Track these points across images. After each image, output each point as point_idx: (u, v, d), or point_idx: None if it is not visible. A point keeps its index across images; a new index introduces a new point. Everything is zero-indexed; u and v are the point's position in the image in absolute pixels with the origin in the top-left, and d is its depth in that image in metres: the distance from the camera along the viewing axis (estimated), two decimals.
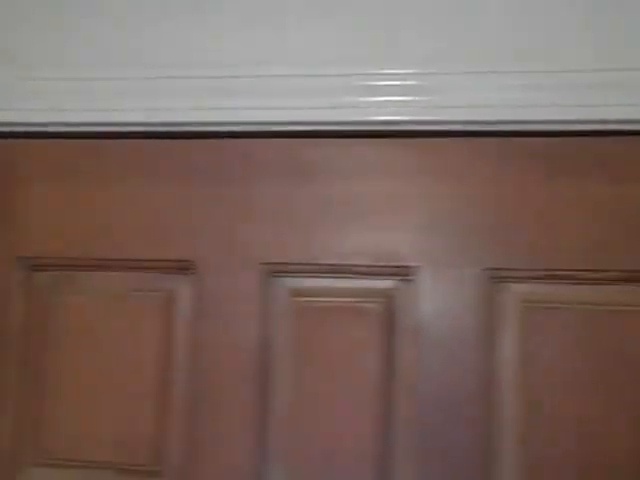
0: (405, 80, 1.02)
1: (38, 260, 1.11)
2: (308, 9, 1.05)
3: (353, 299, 1.05)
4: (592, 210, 1.01)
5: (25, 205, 1.11)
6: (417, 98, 1.02)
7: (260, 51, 1.06)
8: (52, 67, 1.10)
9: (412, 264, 1.03)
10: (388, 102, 1.02)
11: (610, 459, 0.97)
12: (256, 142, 1.07)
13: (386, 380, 1.02)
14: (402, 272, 1.04)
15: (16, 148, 1.13)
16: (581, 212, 1.01)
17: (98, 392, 1.07)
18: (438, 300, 1.02)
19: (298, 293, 1.06)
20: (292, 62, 1.04)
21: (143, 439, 1.06)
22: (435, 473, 0.99)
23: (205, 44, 1.07)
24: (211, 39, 1.07)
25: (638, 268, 0.99)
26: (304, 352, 1.04)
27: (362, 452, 1.01)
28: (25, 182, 1.12)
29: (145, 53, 1.09)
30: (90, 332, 1.09)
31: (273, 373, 1.04)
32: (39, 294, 1.11)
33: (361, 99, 1.03)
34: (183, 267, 1.07)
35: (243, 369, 1.04)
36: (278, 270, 1.06)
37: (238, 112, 1.05)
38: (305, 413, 1.03)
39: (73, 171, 1.11)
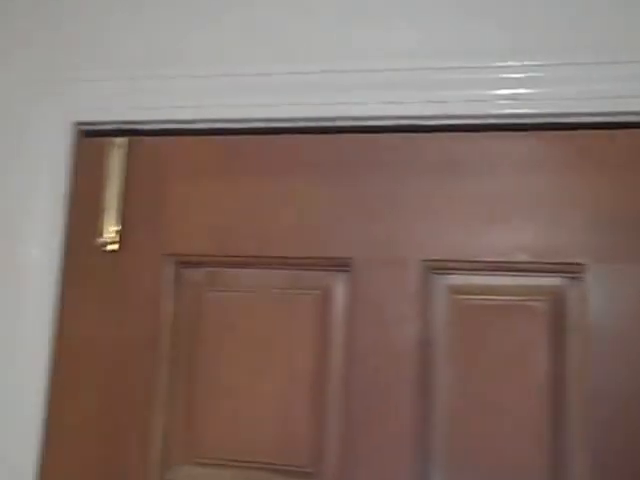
0: (567, 71, 0.99)
1: (188, 257, 1.09)
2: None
3: (516, 297, 1.00)
4: None
5: (174, 202, 1.10)
6: (579, 89, 0.99)
7: (405, 45, 1.04)
8: (199, 65, 1.10)
9: (578, 261, 0.98)
10: (548, 94, 0.99)
11: None
12: (412, 137, 1.04)
13: (556, 382, 0.97)
14: (568, 269, 0.99)
15: (165, 146, 1.12)
16: None
17: (251, 391, 1.04)
18: (610, 299, 0.97)
19: (459, 291, 1.01)
20: (440, 54, 1.03)
21: (297, 440, 1.02)
22: (613, 474, 0.93)
23: (364, 39, 1.06)
24: (365, 34, 1.05)
25: None
26: (466, 352, 0.99)
27: (532, 458, 0.96)
28: (175, 179, 1.11)
29: (294, 48, 1.08)
30: (242, 330, 1.06)
31: (434, 375, 1.00)
32: (189, 291, 1.09)
33: (524, 91, 1.00)
34: (340, 264, 1.04)
35: (402, 370, 1.00)
36: (438, 267, 1.02)
37: (392, 106, 1.03)
38: (469, 417, 0.98)
39: (224, 169, 1.09)
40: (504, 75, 1.02)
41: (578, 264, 0.98)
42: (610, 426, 0.94)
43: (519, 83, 1.01)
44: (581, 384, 0.96)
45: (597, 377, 0.95)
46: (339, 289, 1.04)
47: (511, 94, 1.02)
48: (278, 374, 1.04)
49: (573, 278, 0.99)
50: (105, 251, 1.10)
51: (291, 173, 1.07)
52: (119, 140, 1.13)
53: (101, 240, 1.09)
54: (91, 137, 1.14)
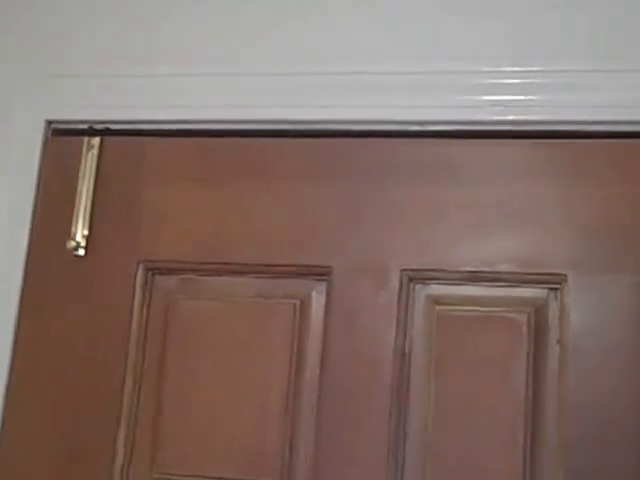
0: (562, 78, 0.98)
1: (160, 264, 1.06)
2: (463, 3, 1.02)
3: (497, 308, 0.98)
4: None
5: (147, 206, 1.07)
6: (575, 97, 0.97)
7: (403, 48, 1.02)
8: (176, 64, 1.07)
9: (563, 272, 0.96)
10: (548, 101, 0.98)
11: None
12: (398, 142, 1.02)
13: (534, 394, 0.95)
14: (551, 280, 0.97)
15: (139, 147, 1.09)
16: None
17: (221, 403, 1.01)
18: (592, 311, 0.95)
19: (439, 301, 0.99)
20: (439, 59, 1.01)
21: (268, 453, 0.99)
22: None
23: (345, 41, 1.03)
24: (361, 36, 1.03)
25: None
26: (444, 364, 0.97)
27: (508, 470, 0.94)
28: (149, 182, 1.07)
29: (274, 49, 1.05)
30: (215, 340, 1.03)
31: (410, 386, 0.98)
32: (161, 299, 1.05)
33: (514, 98, 0.98)
34: (319, 273, 1.01)
35: (378, 381, 0.97)
36: (418, 277, 0.99)
37: (380, 110, 1.00)
38: (445, 428, 0.96)
39: (199, 172, 1.07)
40: (493, 81, 1.01)
41: (560, 275, 0.96)
42: (586, 439, 0.92)
43: (509, 89, 1.00)
44: (560, 397, 0.94)
45: (576, 390, 0.93)
46: (317, 298, 1.02)
47: (499, 100, 1.00)
48: (251, 385, 1.01)
49: (555, 289, 0.97)
50: (74, 255, 1.06)
51: (270, 178, 1.04)
52: (91, 140, 1.09)
53: (70, 244, 1.05)
54: (62, 136, 1.11)
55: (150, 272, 1.06)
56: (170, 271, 1.06)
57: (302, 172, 1.03)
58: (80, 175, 1.08)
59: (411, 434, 0.96)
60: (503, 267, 0.98)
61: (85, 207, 1.07)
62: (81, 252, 1.06)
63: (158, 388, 1.03)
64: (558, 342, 0.96)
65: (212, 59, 1.07)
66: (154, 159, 1.08)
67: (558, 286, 0.96)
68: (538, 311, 0.97)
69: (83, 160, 1.08)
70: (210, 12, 1.09)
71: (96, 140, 1.09)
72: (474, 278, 0.98)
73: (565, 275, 0.96)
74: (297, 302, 1.02)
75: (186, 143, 1.08)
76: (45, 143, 1.10)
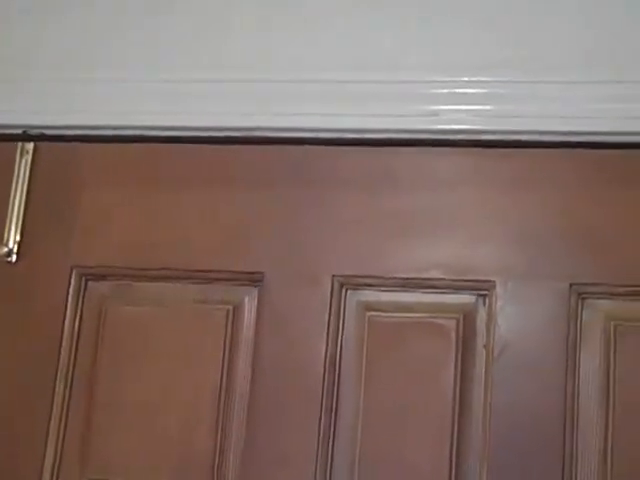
0: (493, 88, 0.99)
1: (94, 270, 1.05)
2: (399, 15, 1.03)
3: (427, 314, 1.00)
4: None
5: (81, 212, 1.06)
6: (505, 107, 0.99)
7: (345, 57, 1.02)
8: (116, 68, 1.07)
9: (491, 278, 0.98)
10: (474, 111, 0.99)
11: None
12: (334, 150, 1.03)
13: (461, 400, 0.97)
14: (480, 286, 0.99)
15: (74, 153, 1.08)
16: None
17: (152, 408, 1.01)
18: (518, 317, 0.97)
19: (370, 307, 1.00)
20: (374, 68, 1.01)
21: (199, 456, 0.99)
22: None
23: (278, 49, 1.03)
24: (297, 45, 1.03)
25: None
26: (375, 368, 0.99)
27: (434, 468, 0.95)
28: (83, 188, 1.07)
29: (213, 56, 1.05)
30: (148, 345, 1.03)
31: (341, 390, 0.99)
32: (95, 305, 1.05)
33: (447, 107, 1.00)
34: (251, 279, 1.02)
35: (309, 387, 0.98)
36: (350, 283, 1.01)
37: (316, 118, 1.01)
38: (374, 431, 0.97)
39: (134, 178, 1.06)
40: (427, 91, 1.02)
41: (488, 282, 0.98)
42: (509, 438, 0.94)
43: (442, 99, 1.01)
44: (485, 399, 0.96)
45: (500, 392, 0.95)
46: (250, 303, 1.02)
47: (434, 110, 1.01)
48: (182, 389, 1.01)
49: (483, 295, 0.99)
50: (6, 262, 1.05)
51: (205, 185, 1.05)
52: (25, 145, 1.08)
53: (2, 250, 1.05)
54: None
55: (83, 278, 1.05)
56: (103, 277, 1.06)
57: (236, 179, 1.04)
58: (14, 181, 1.07)
59: (341, 436, 0.98)
60: (433, 274, 0.99)
61: (18, 213, 1.06)
62: (13, 258, 1.05)
63: (89, 393, 1.03)
64: (485, 347, 0.97)
65: (147, 65, 1.07)
66: (89, 165, 1.08)
67: (486, 292, 0.98)
68: (466, 317, 0.99)
69: (17, 166, 1.08)
70: (139, 16, 1.09)
71: (30, 146, 1.08)
72: (405, 284, 1.00)
73: (493, 282, 0.98)
74: (230, 308, 1.02)
75: (122, 149, 1.07)
76: None
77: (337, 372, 0.99)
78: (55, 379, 1.02)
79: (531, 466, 0.93)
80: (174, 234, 1.04)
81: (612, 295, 0.97)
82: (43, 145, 1.09)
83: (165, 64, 1.07)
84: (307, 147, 1.03)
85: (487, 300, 0.98)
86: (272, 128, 1.03)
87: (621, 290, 0.97)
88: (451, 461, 0.95)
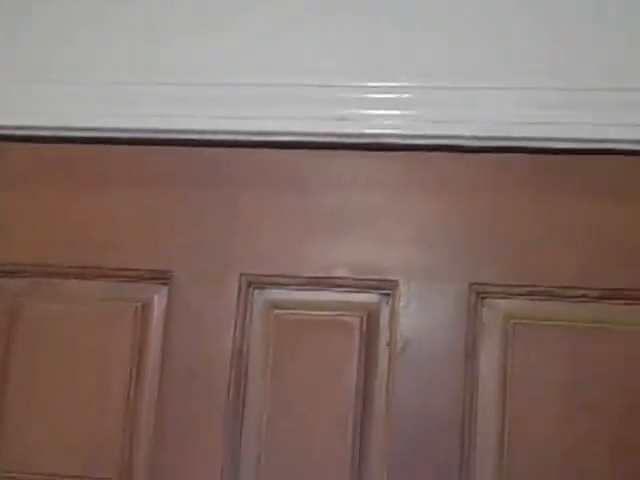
0: (396, 93, 1.02)
1: (7, 267, 1.06)
2: (305, 17, 1.04)
3: (334, 312, 1.02)
4: (578, 229, 1.00)
5: None
6: (409, 112, 1.02)
7: (252, 59, 1.04)
8: (39, 69, 1.08)
9: (395, 278, 1.01)
10: (379, 115, 1.02)
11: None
12: (242, 152, 1.05)
13: (364, 396, 0.99)
14: (384, 286, 1.02)
15: None
16: (567, 231, 1.00)
17: (62, 404, 1.03)
18: (420, 316, 1.00)
19: (277, 305, 1.03)
20: (284, 71, 1.03)
21: (107, 452, 1.01)
22: None
23: (195, 53, 1.05)
24: (205, 48, 1.05)
25: (621, 287, 0.99)
26: (281, 366, 1.01)
27: (336, 468, 0.98)
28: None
29: (136, 58, 1.06)
30: (58, 341, 1.04)
31: (248, 385, 1.01)
32: (7, 302, 1.06)
33: (352, 111, 1.02)
34: (160, 277, 1.04)
35: (217, 383, 1.00)
36: (257, 282, 1.03)
37: (227, 121, 1.03)
38: (279, 428, 1.00)
39: (46, 178, 1.08)
40: (333, 94, 1.03)
41: (392, 281, 1.01)
42: (410, 432, 0.97)
43: (350, 103, 1.03)
44: (388, 394, 0.99)
45: (402, 388, 0.98)
46: (159, 301, 1.04)
47: (341, 114, 1.03)
48: (92, 386, 1.03)
49: (386, 294, 1.02)
50: None
51: (114, 185, 1.06)
52: None
53: None
54: None
55: None
56: (17, 274, 1.07)
57: (144, 180, 1.06)
58: None
59: (247, 429, 1.00)
60: (338, 273, 1.02)
61: None
62: None
63: (1, 389, 1.04)
64: (388, 344, 1.00)
65: (67, 66, 1.07)
66: (7, 163, 1.09)
67: (390, 292, 1.01)
68: (370, 315, 1.02)
69: None
70: (72, 19, 1.10)
71: None
72: (310, 283, 1.02)
73: (396, 281, 1.01)
74: (139, 305, 1.04)
75: (33, 149, 1.08)
76: None
77: (244, 368, 1.01)
78: None
79: (431, 459, 0.97)
80: (84, 233, 1.05)
81: (510, 295, 1.00)
82: None
83: (82, 66, 1.07)
84: (216, 149, 1.05)
85: (390, 299, 1.01)
86: (181, 130, 1.04)
87: (519, 290, 1.00)
88: (353, 455, 0.98)
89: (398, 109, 1.02)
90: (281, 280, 1.03)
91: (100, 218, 1.06)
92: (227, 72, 1.04)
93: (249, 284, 1.03)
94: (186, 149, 1.05)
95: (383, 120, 1.03)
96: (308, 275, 1.02)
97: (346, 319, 1.02)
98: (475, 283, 1.00)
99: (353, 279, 1.02)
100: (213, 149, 1.05)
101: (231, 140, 1.05)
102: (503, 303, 1.01)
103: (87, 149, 1.07)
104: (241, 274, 1.02)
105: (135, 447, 1.01)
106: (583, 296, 0.99)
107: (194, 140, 1.05)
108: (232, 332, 1.01)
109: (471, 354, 0.99)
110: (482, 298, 1.00)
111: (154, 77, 1.05)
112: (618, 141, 1.01)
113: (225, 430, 0.99)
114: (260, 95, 1.03)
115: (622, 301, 0.99)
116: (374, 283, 1.02)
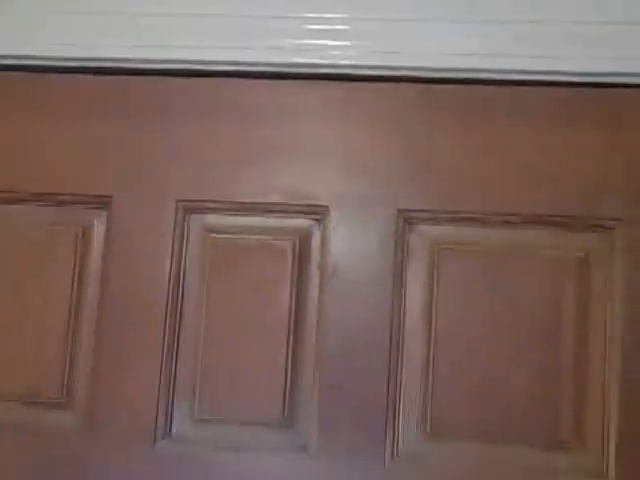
0: (333, 24, 1.04)
1: None
2: None
3: (267, 237, 1.06)
4: (505, 157, 1.04)
5: None
6: (345, 42, 1.04)
7: None
8: None
9: (326, 203, 1.05)
10: (317, 45, 1.04)
11: (511, 406, 1.00)
12: (180, 81, 1.08)
13: (296, 316, 1.04)
14: (316, 211, 1.06)
15: None
16: (494, 158, 1.04)
17: (5, 326, 1.07)
18: (350, 240, 1.04)
19: (212, 230, 1.07)
20: (224, 1, 1.05)
21: (50, 373, 1.06)
22: (338, 408, 1.01)
23: None
24: None
25: (542, 212, 1.03)
26: (217, 288, 1.05)
27: (269, 387, 1.03)
28: None
29: None
30: (1, 265, 1.08)
31: (184, 309, 1.05)
32: None
33: (289, 41, 1.04)
34: (100, 202, 1.07)
35: (155, 305, 1.05)
36: (193, 207, 1.07)
37: (169, 50, 1.05)
38: (214, 349, 1.04)
39: None
40: (272, 25, 1.05)
41: (323, 207, 1.05)
42: (340, 348, 1.02)
43: (288, 33, 1.05)
44: (319, 314, 1.03)
45: (332, 308, 1.03)
46: (99, 226, 1.08)
47: (279, 44, 1.05)
48: (35, 310, 1.07)
49: (318, 220, 1.05)
50: None
51: (56, 112, 1.09)
52: None
53: None
54: None
55: None
56: None
57: (86, 107, 1.08)
58: None
59: (184, 350, 1.05)
60: (272, 199, 1.06)
61: None
62: None
63: None
64: (319, 267, 1.05)
65: None
66: None
67: (321, 217, 1.05)
68: (302, 239, 1.06)
69: None
70: None
71: None
72: (245, 209, 1.06)
73: (327, 207, 1.05)
74: (79, 230, 1.08)
75: None
76: None
77: (181, 291, 1.06)
78: None
79: (360, 376, 1.02)
80: (25, 157, 1.08)
81: (437, 221, 1.05)
82: None
83: None
84: (154, 77, 1.08)
85: (321, 224, 1.05)
86: (122, 59, 1.06)
87: (445, 216, 1.04)
88: (286, 371, 1.03)
89: (335, 40, 1.05)
90: (217, 206, 1.06)
91: (41, 144, 1.08)
92: (163, 1, 1.05)
93: (186, 209, 1.06)
94: (123, 77, 1.08)
95: (320, 51, 1.05)
96: (243, 201, 1.06)
97: (279, 243, 1.06)
98: (403, 209, 1.04)
99: (286, 204, 1.06)
100: (151, 77, 1.08)
101: (169, 69, 1.07)
102: (430, 229, 1.05)
103: (26, 77, 1.09)
104: (178, 200, 1.06)
105: (76, 368, 1.06)
106: (506, 222, 1.04)
107: (131, 69, 1.07)
108: (169, 256, 1.05)
109: (399, 277, 1.03)
110: (410, 224, 1.05)
111: (89, 5, 1.07)
112: (548, 72, 1.04)
113: (162, 352, 1.04)
114: (199, 25, 1.06)
115: (543, 226, 1.03)
116: (306, 208, 1.06)
